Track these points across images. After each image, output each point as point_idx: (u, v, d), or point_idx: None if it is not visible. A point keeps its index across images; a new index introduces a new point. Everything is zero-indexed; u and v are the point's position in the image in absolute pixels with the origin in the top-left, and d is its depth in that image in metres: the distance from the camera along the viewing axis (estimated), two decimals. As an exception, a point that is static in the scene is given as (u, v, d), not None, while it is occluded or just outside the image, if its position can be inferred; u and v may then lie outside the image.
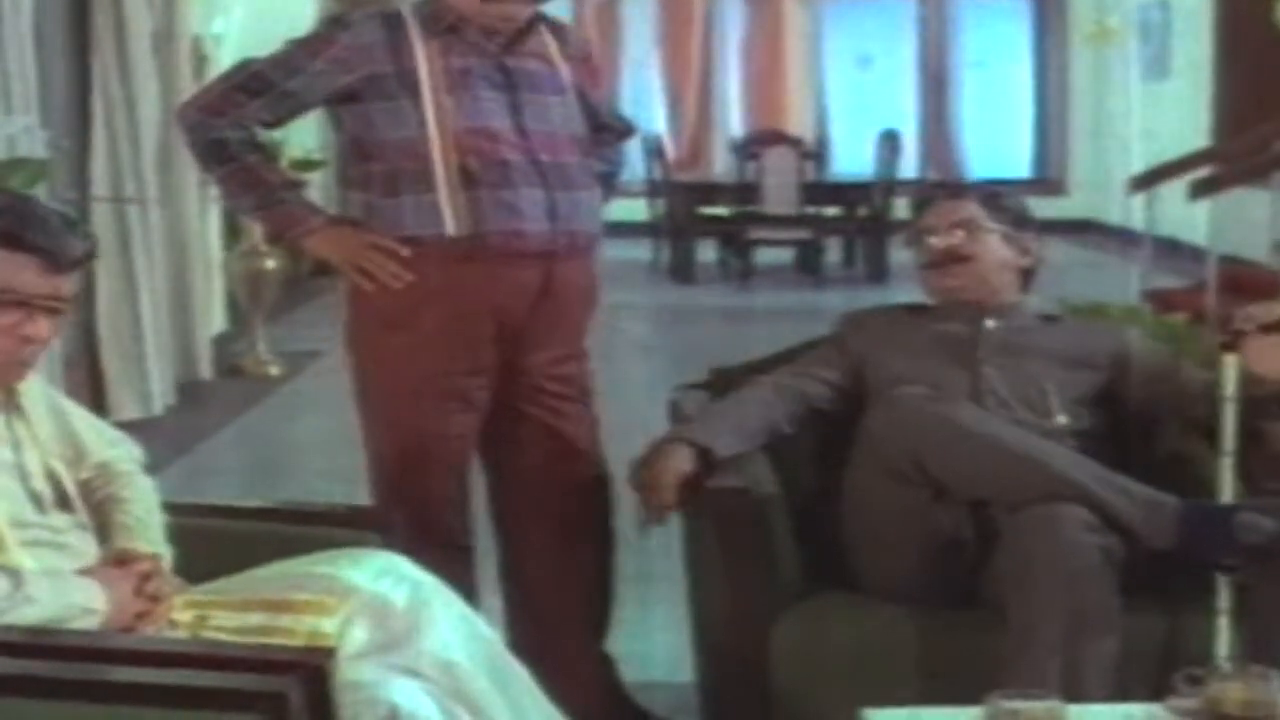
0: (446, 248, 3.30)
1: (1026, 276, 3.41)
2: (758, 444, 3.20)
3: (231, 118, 3.36)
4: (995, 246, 3.35)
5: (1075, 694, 2.47)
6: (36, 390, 2.65)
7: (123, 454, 2.77)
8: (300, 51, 3.39)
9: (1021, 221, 3.40)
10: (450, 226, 3.30)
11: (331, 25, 3.45)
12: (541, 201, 3.32)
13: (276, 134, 4.02)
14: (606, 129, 3.62)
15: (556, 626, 3.51)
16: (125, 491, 2.71)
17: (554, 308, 3.40)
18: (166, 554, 2.65)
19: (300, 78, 3.35)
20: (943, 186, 3.73)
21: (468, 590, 3.43)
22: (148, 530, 2.67)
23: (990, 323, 3.30)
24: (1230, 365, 2.98)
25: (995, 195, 3.44)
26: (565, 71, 3.45)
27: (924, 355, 3.27)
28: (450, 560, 3.38)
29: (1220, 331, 3.05)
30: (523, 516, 3.54)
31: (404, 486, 3.41)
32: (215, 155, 3.39)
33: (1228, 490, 2.96)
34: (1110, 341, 3.35)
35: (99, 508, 2.69)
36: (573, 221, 3.37)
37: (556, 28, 3.50)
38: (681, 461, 3.08)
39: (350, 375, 3.48)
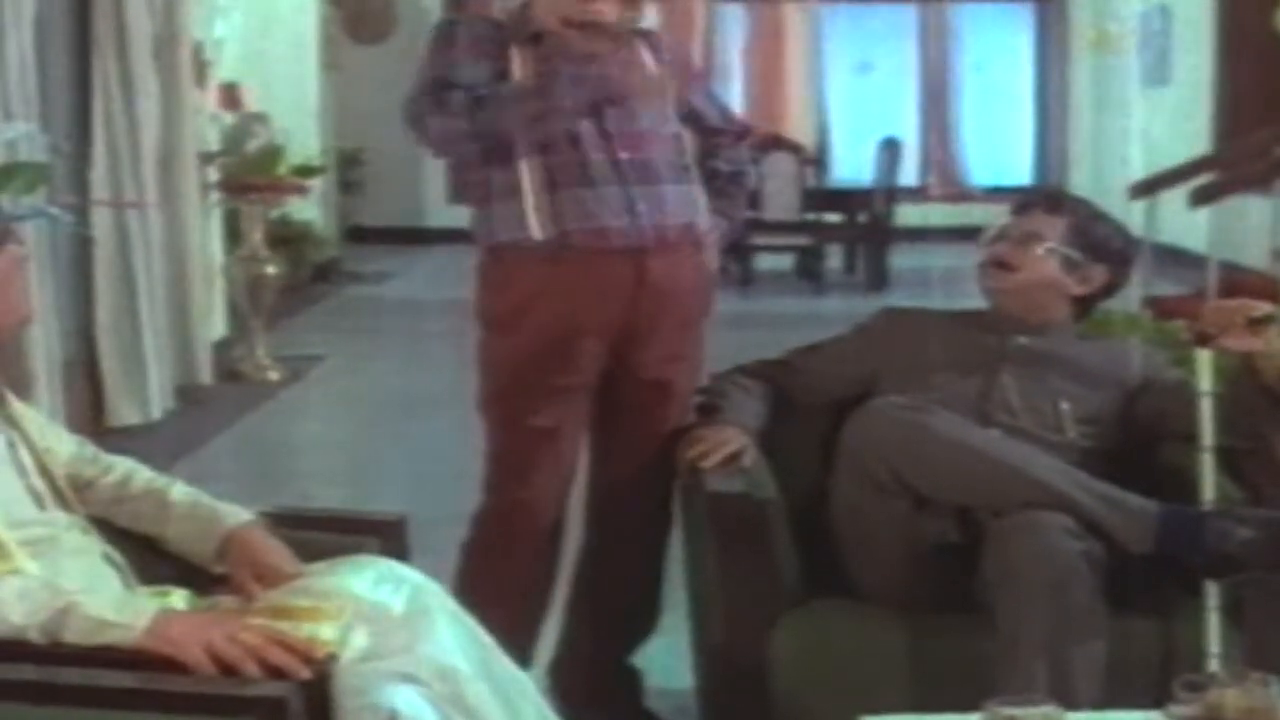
0: (535, 253, 3.32)
1: (1081, 304, 3.38)
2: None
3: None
4: (1045, 266, 3.31)
5: (1064, 696, 2.48)
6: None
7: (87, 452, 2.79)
8: (438, 50, 3.38)
9: (1099, 253, 3.34)
10: (536, 231, 3.30)
11: (443, 26, 3.47)
12: (620, 197, 3.31)
13: (279, 138, 4.02)
14: (720, 132, 3.61)
15: (604, 629, 3.57)
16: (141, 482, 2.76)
17: (654, 304, 3.38)
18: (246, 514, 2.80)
19: (459, 68, 3.33)
20: (1046, 196, 3.71)
21: (541, 593, 3.52)
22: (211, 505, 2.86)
23: (1022, 339, 3.30)
24: (1204, 361, 2.98)
25: (1088, 220, 3.37)
26: (661, 76, 3.44)
27: (942, 362, 3.28)
28: (532, 564, 3.48)
29: (1190, 329, 3.06)
30: (601, 514, 3.57)
31: (508, 484, 3.46)
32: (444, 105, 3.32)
33: (1209, 487, 2.96)
34: (1137, 363, 3.33)
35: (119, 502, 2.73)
36: (657, 216, 3.35)
37: (646, 34, 3.50)
38: (734, 436, 3.26)
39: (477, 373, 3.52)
